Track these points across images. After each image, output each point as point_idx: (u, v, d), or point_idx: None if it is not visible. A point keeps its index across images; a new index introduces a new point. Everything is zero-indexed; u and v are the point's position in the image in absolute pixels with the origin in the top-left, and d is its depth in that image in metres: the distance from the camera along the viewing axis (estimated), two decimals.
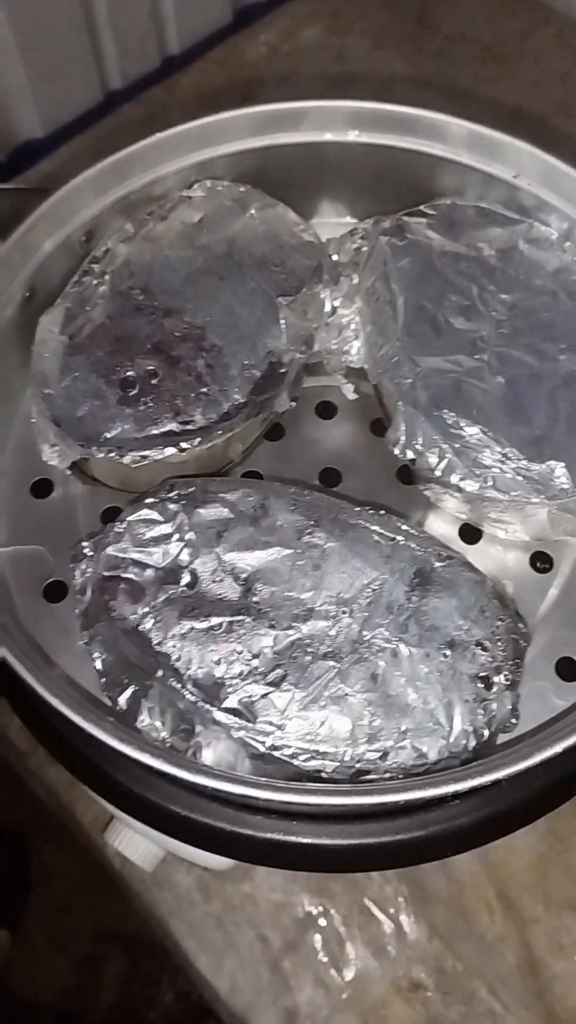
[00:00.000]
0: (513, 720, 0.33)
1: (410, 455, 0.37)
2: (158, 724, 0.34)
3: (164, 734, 0.34)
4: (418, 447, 0.37)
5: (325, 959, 0.45)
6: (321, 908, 0.46)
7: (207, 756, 0.33)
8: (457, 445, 0.36)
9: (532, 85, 0.72)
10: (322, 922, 0.46)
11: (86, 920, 0.79)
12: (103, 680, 0.35)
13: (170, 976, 0.80)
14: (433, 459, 0.36)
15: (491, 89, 0.71)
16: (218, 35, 0.74)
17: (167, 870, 0.47)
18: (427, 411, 0.37)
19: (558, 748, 0.29)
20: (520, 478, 0.36)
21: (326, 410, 0.43)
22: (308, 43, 0.74)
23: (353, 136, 0.43)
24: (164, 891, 0.47)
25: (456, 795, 0.33)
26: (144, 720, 0.34)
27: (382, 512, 0.36)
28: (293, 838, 0.32)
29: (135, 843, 0.43)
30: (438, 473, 0.37)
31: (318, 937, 0.46)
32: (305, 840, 0.32)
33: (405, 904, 0.46)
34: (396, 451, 0.37)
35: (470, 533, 0.40)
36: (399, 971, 0.45)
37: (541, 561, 0.39)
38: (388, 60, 0.72)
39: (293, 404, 0.40)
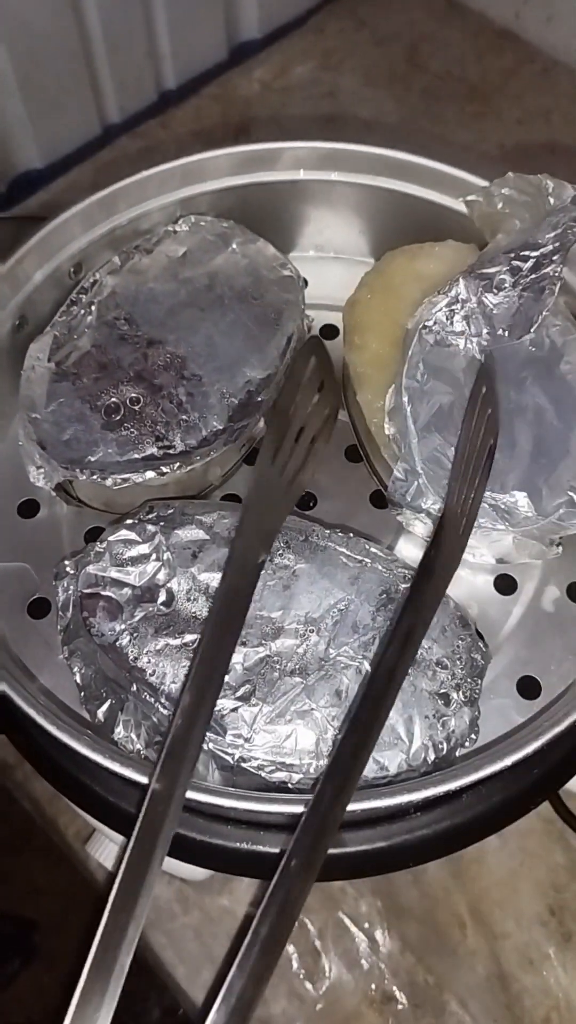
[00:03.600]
0: (473, 736, 0.35)
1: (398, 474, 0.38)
2: (133, 736, 0.35)
3: (139, 746, 0.35)
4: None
5: (300, 972, 0.46)
6: (296, 922, 0.47)
7: None
8: (430, 472, 0.38)
9: (516, 123, 0.74)
10: (297, 935, 0.47)
11: (75, 937, 0.79)
12: (82, 694, 0.37)
13: (157, 993, 0.80)
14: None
15: (476, 126, 0.73)
16: (213, 71, 0.77)
17: None
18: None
19: (508, 761, 0.31)
20: (486, 506, 0.37)
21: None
22: (300, 80, 0.77)
23: (333, 176, 0.45)
24: None
25: (418, 807, 0.35)
26: (120, 732, 0.35)
27: (351, 535, 0.38)
28: (260, 848, 0.34)
29: (116, 855, 0.44)
30: (409, 498, 0.38)
31: (293, 950, 0.47)
32: (272, 850, 0.34)
33: (379, 918, 0.47)
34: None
35: None
36: (372, 984, 0.46)
37: (505, 583, 0.40)
38: (377, 97, 0.75)
39: None
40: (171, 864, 0.41)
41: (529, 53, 0.78)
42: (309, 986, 0.46)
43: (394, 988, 0.46)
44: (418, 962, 0.46)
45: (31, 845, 0.62)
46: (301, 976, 0.46)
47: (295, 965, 0.46)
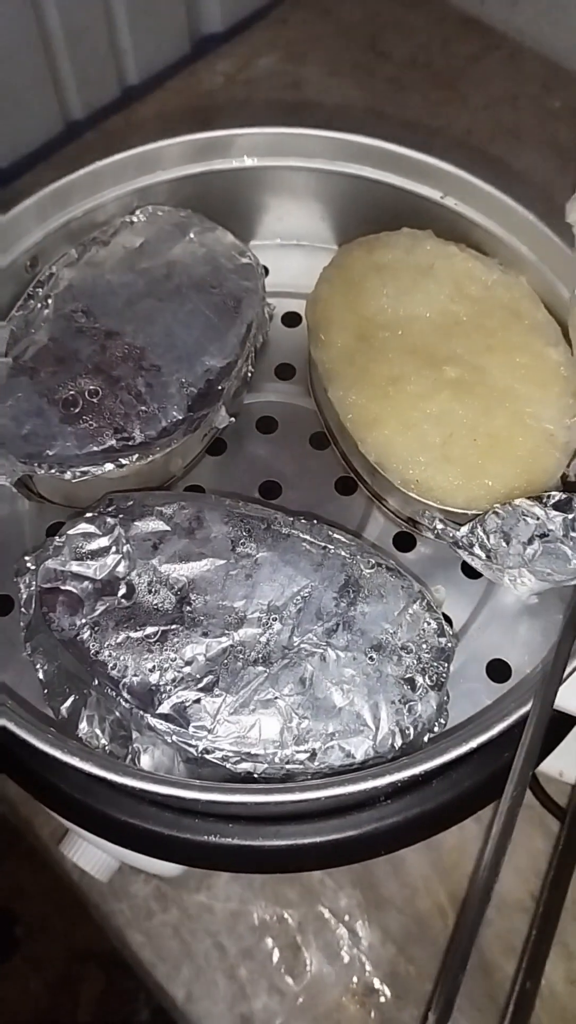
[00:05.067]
0: (441, 720, 0.34)
1: None
2: (98, 731, 0.35)
3: (103, 741, 0.35)
4: None
5: (280, 966, 0.46)
6: (276, 916, 0.47)
7: (145, 761, 0.34)
8: None
9: (482, 108, 0.74)
10: (277, 929, 0.47)
11: (61, 939, 0.79)
12: (45, 691, 0.36)
13: (146, 994, 0.80)
14: None
15: (442, 113, 0.73)
16: (176, 65, 0.77)
17: (124, 881, 0.47)
18: None
19: (473, 743, 0.30)
20: None
21: (267, 425, 0.44)
22: (264, 71, 0.76)
23: (289, 162, 0.45)
24: (121, 902, 0.47)
25: (387, 795, 0.34)
26: (84, 728, 0.35)
27: (315, 522, 0.37)
28: (229, 840, 0.33)
29: (89, 854, 0.44)
30: None
31: (274, 944, 0.46)
32: (241, 842, 0.33)
33: (359, 910, 0.47)
34: None
35: (404, 541, 0.41)
36: (353, 976, 0.46)
37: (473, 568, 0.40)
38: (342, 87, 0.75)
39: (233, 420, 0.42)
40: (140, 859, 0.41)
41: (495, 38, 0.78)
42: (290, 980, 0.46)
43: (376, 980, 0.46)
44: (399, 953, 0.46)
45: (14, 848, 0.62)
46: (282, 971, 0.46)
47: (275, 959, 0.46)
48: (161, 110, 0.74)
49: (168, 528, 0.36)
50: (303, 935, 0.47)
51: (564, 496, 0.34)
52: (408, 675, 0.34)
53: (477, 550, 0.36)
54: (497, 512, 0.35)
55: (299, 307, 0.45)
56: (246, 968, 0.46)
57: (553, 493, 0.34)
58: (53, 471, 0.38)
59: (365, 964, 0.46)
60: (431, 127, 0.72)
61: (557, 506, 0.34)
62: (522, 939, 0.46)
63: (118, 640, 0.34)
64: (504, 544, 0.35)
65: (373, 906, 0.47)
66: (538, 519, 0.34)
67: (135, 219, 0.44)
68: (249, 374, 0.43)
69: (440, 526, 0.36)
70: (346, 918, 0.47)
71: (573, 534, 0.34)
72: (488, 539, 0.35)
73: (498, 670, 0.38)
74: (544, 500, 0.34)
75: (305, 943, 0.46)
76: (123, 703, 0.33)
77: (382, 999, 0.45)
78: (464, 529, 0.36)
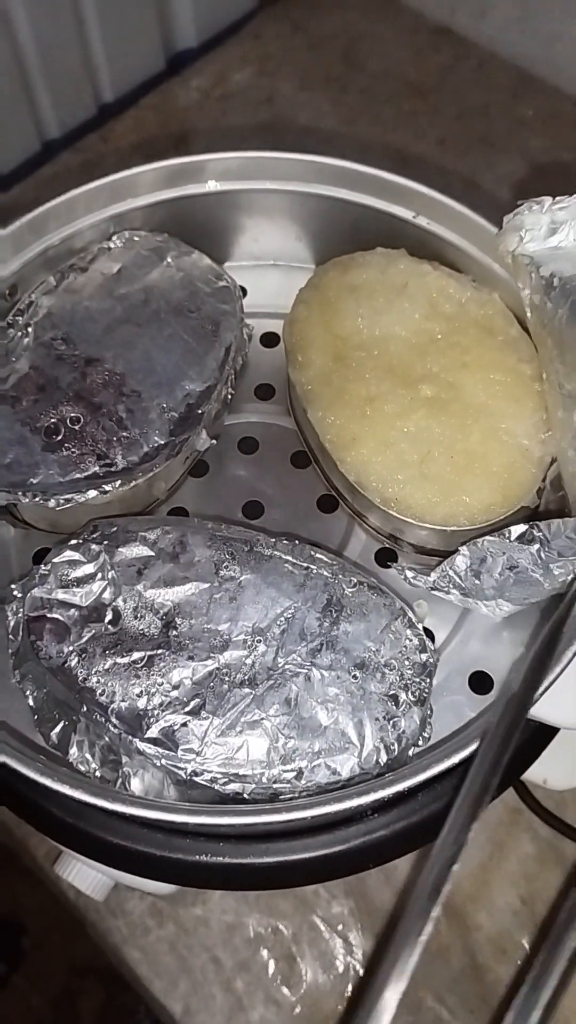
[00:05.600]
0: (425, 735, 0.35)
1: None
2: (88, 756, 0.35)
3: (94, 766, 0.35)
4: None
5: (276, 977, 0.47)
6: (271, 927, 0.47)
7: (135, 785, 0.34)
8: None
9: (455, 118, 0.74)
10: (272, 941, 0.47)
11: (61, 954, 0.79)
12: (35, 716, 0.37)
13: (146, 1007, 0.80)
14: None
15: (415, 123, 0.74)
16: (151, 82, 0.77)
17: (120, 898, 0.48)
18: None
19: (455, 759, 0.31)
20: None
21: (248, 446, 0.44)
22: (239, 87, 0.77)
23: (264, 184, 0.45)
24: (118, 919, 0.48)
25: (374, 809, 0.35)
26: (74, 753, 0.35)
27: (296, 542, 0.38)
28: (220, 859, 0.34)
29: (84, 874, 0.44)
30: None
31: (269, 956, 0.47)
32: (231, 860, 0.34)
33: (352, 919, 0.48)
34: None
35: (386, 557, 0.42)
36: (348, 985, 0.46)
37: None
38: (315, 100, 0.75)
39: (214, 442, 0.42)
40: (135, 880, 0.42)
41: (465, 48, 0.79)
42: (286, 991, 0.46)
43: None
44: None
45: (11, 868, 0.62)
46: (278, 982, 0.46)
47: (271, 971, 0.46)
48: (137, 127, 0.74)
49: (152, 553, 0.37)
50: (298, 946, 0.47)
51: (524, 528, 0.35)
52: (391, 692, 0.34)
53: (452, 590, 0.36)
54: (463, 553, 0.36)
55: (278, 327, 0.46)
56: (242, 980, 0.46)
57: (512, 528, 0.35)
58: (37, 499, 0.38)
59: (360, 972, 0.47)
60: (403, 140, 0.72)
61: (521, 539, 0.35)
62: (513, 942, 0.47)
63: (105, 666, 0.35)
64: (476, 580, 0.36)
65: (366, 915, 0.48)
66: (504, 553, 0.35)
67: (112, 245, 0.45)
68: (229, 396, 0.43)
69: (411, 574, 0.37)
70: (340, 927, 0.47)
71: (541, 561, 0.34)
72: (460, 579, 0.36)
73: (481, 682, 0.38)
74: (506, 535, 0.35)
75: (300, 954, 0.47)
76: (112, 728, 0.34)
77: None
78: (434, 575, 0.37)
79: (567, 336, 0.37)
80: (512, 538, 0.34)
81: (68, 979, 0.79)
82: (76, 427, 0.40)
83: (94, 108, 0.75)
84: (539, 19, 0.74)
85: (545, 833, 0.49)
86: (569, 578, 0.34)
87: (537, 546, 0.34)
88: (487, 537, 0.35)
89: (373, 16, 0.80)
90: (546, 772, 0.42)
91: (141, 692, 0.34)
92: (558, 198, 0.39)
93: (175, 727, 0.33)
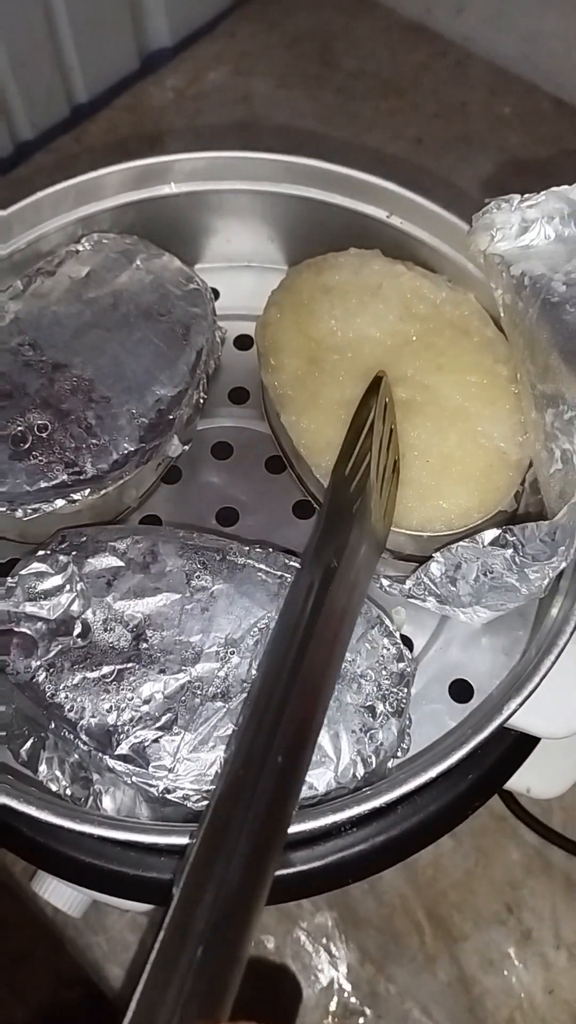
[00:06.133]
0: (404, 746, 0.34)
1: None
2: (58, 774, 0.34)
3: (64, 783, 0.34)
4: None
5: None
6: (254, 941, 0.47)
7: (107, 803, 0.33)
8: None
9: (432, 116, 0.74)
10: (256, 954, 0.46)
11: (46, 966, 0.78)
12: (3, 733, 0.36)
13: None
14: None
15: (392, 121, 0.73)
16: (125, 82, 0.76)
17: (100, 914, 0.47)
18: None
19: (433, 773, 0.30)
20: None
21: (222, 451, 0.44)
22: (214, 86, 0.76)
23: (233, 185, 0.44)
24: (98, 935, 0.47)
25: (353, 823, 0.34)
26: (44, 771, 0.34)
27: (270, 550, 0.37)
28: None
29: (60, 891, 0.43)
30: None
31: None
32: None
33: (337, 931, 0.47)
34: None
35: None
36: (332, 998, 0.46)
37: None
38: (292, 99, 0.74)
39: (186, 448, 0.41)
40: (111, 899, 0.41)
41: (442, 46, 0.78)
42: None
43: (355, 1000, 0.45)
44: (378, 972, 0.46)
45: None
46: None
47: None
48: (112, 128, 0.73)
49: (122, 564, 0.36)
50: (281, 959, 0.46)
51: (498, 533, 0.34)
52: (368, 703, 0.34)
53: (428, 597, 0.36)
54: (437, 560, 0.35)
55: (251, 329, 0.45)
56: None
57: (485, 533, 0.34)
58: (4, 509, 0.37)
59: (344, 985, 0.46)
60: (381, 139, 0.72)
61: (494, 543, 0.34)
62: (499, 952, 0.46)
63: (74, 681, 0.34)
64: (452, 587, 0.35)
65: (351, 926, 0.47)
66: (479, 559, 0.34)
67: (80, 248, 0.44)
68: (201, 401, 0.43)
69: (386, 583, 0.36)
70: (324, 940, 0.47)
71: (516, 566, 0.33)
72: (435, 586, 0.35)
73: (461, 690, 0.38)
74: (479, 540, 0.34)
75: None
76: (81, 745, 0.33)
77: (362, 1020, 0.45)
78: (409, 583, 0.36)
79: (537, 336, 0.36)
80: (486, 543, 0.34)
81: (54, 991, 0.78)
82: (44, 435, 0.39)
83: (67, 109, 0.74)
84: (515, 16, 0.74)
85: (531, 840, 0.48)
86: (545, 583, 0.34)
87: (511, 551, 0.33)
88: (461, 543, 0.34)
89: (348, 14, 0.80)
90: (529, 781, 0.42)
91: (111, 707, 0.33)
92: (526, 195, 0.38)
93: (146, 743, 0.32)
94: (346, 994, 0.46)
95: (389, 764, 0.34)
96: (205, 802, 0.32)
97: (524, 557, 0.33)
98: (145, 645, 0.34)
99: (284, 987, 0.45)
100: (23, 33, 0.66)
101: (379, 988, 0.46)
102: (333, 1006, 0.45)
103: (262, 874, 0.26)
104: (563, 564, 0.33)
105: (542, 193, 0.38)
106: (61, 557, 0.36)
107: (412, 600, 0.36)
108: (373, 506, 0.35)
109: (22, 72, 0.68)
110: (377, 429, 0.37)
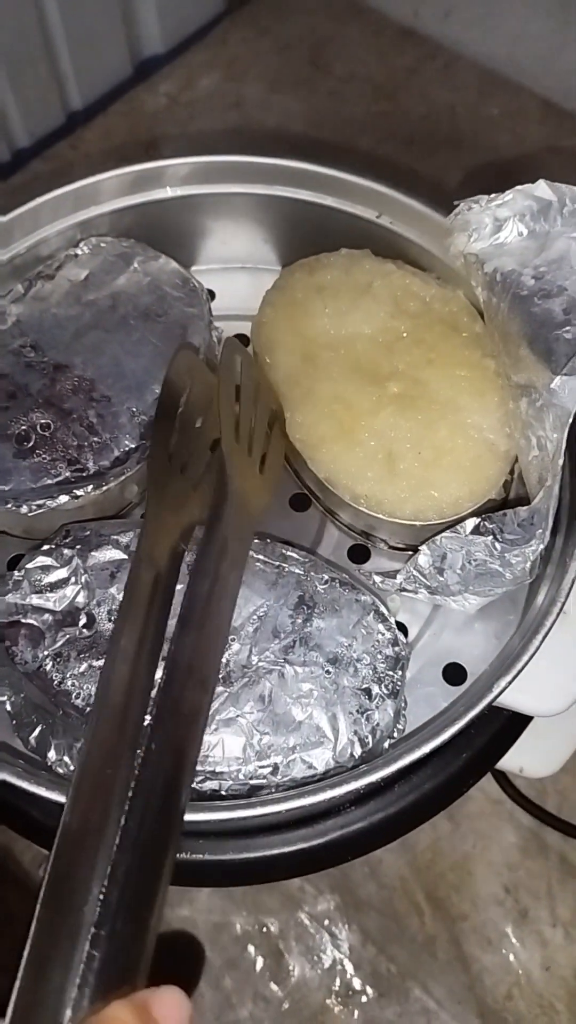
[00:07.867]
0: (399, 726, 0.36)
1: None
2: (66, 759, 0.35)
3: (73, 768, 0.35)
4: None
5: (264, 974, 0.47)
6: (258, 924, 0.48)
7: None
8: None
9: (422, 119, 0.75)
10: (259, 938, 0.48)
11: None
12: (13, 722, 0.37)
13: None
14: None
15: (383, 125, 0.74)
16: (119, 88, 0.77)
17: None
18: None
19: (426, 749, 0.31)
20: None
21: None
22: (206, 91, 0.77)
23: (229, 188, 0.46)
24: None
25: (351, 802, 0.35)
26: (53, 756, 0.36)
27: (268, 540, 0.38)
28: (200, 856, 0.34)
29: None
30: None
31: (257, 953, 0.47)
32: (211, 857, 0.34)
33: (338, 914, 0.48)
34: None
35: (359, 553, 0.42)
36: (336, 979, 0.47)
37: None
38: (284, 103, 0.76)
39: None
40: None
41: (430, 49, 0.79)
42: (274, 987, 0.47)
43: (358, 980, 0.47)
44: (379, 953, 0.47)
45: (6, 875, 0.62)
46: (266, 978, 0.47)
47: (259, 967, 0.47)
48: (107, 134, 0.75)
49: (125, 557, 0.37)
50: (285, 942, 0.48)
51: (477, 521, 0.35)
52: (364, 685, 0.35)
53: (420, 589, 0.37)
54: (424, 551, 0.36)
55: (246, 329, 0.46)
56: (231, 978, 0.47)
57: (466, 522, 0.35)
58: (9, 506, 0.38)
59: (347, 966, 0.47)
60: (371, 142, 0.73)
61: (475, 532, 0.35)
62: (497, 931, 0.48)
63: (80, 670, 0.35)
64: (440, 577, 0.36)
65: (352, 908, 0.48)
66: (463, 548, 0.35)
67: (79, 252, 0.45)
68: None
69: (379, 579, 0.38)
70: (326, 922, 0.48)
71: (496, 552, 0.35)
72: (425, 577, 0.36)
73: (454, 673, 0.39)
74: (460, 530, 0.35)
75: (287, 949, 0.47)
76: None
77: (364, 999, 0.46)
78: (400, 577, 0.37)
79: (510, 329, 0.38)
80: (467, 532, 0.35)
81: None
82: (47, 433, 0.40)
83: (63, 116, 0.75)
84: (502, 19, 0.75)
85: (527, 822, 0.50)
86: (528, 566, 0.35)
87: (491, 538, 0.35)
88: (444, 534, 0.35)
89: (338, 19, 0.81)
90: (522, 761, 0.43)
91: None
92: (493, 195, 0.39)
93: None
94: (348, 975, 0.47)
95: (385, 744, 0.35)
96: (210, 783, 0.33)
97: (504, 543, 0.35)
98: None
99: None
100: (18, 42, 0.67)
101: (380, 968, 0.47)
102: (336, 986, 0.47)
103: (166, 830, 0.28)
104: (540, 546, 0.34)
105: (508, 192, 0.39)
106: (66, 551, 0.37)
107: (404, 594, 0.38)
108: (234, 470, 0.37)
109: (18, 80, 0.69)
110: (226, 390, 0.39)
